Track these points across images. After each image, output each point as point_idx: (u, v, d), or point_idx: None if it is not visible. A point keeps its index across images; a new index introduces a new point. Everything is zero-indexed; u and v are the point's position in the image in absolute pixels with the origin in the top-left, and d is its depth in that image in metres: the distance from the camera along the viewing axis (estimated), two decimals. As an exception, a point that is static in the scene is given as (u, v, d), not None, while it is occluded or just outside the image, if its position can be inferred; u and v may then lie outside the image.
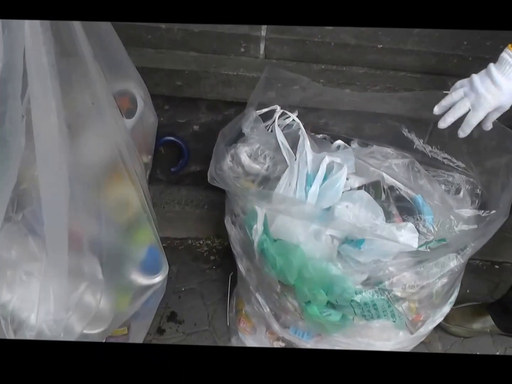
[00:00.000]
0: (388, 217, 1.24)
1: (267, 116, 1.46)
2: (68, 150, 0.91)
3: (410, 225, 1.19)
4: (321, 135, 1.58)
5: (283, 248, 1.23)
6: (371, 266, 1.17)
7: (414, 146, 1.38)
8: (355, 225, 1.19)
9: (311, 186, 1.26)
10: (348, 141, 1.51)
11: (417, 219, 1.22)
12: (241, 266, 1.49)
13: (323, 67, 1.61)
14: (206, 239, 2.02)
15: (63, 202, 0.93)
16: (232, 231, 1.48)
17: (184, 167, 1.78)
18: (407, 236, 1.16)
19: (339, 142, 1.52)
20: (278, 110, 1.50)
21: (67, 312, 1.02)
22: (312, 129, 1.56)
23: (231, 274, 1.84)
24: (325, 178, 1.27)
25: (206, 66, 1.54)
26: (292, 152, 1.30)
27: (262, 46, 1.59)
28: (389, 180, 1.31)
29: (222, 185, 1.27)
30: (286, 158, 1.29)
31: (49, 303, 0.99)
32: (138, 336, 1.40)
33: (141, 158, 1.29)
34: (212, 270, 1.92)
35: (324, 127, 1.57)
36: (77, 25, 0.88)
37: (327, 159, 1.28)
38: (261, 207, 1.26)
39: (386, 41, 1.57)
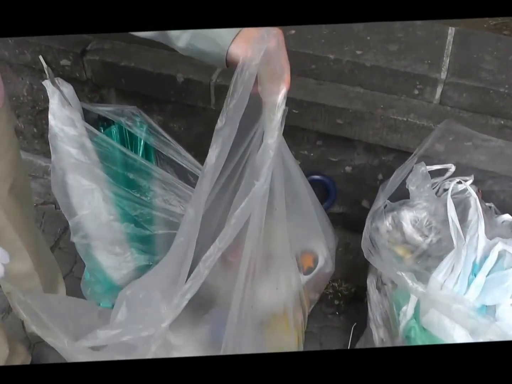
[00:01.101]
0: None
1: (434, 173, 1.31)
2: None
3: None
4: (486, 203, 1.38)
5: (434, 343, 1.09)
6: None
7: None
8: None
9: (475, 275, 1.12)
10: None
11: None
12: (376, 334, 1.37)
13: (502, 122, 1.39)
14: (333, 281, 1.88)
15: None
16: (375, 295, 1.36)
17: (328, 209, 1.63)
18: None
19: (506, 217, 1.33)
20: (451, 170, 1.32)
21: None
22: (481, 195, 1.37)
23: (355, 324, 1.72)
24: (492, 268, 1.12)
25: (372, 105, 1.39)
26: (461, 233, 1.11)
27: (439, 90, 1.40)
28: None
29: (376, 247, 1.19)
30: (453, 238, 1.12)
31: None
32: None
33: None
34: (334, 316, 1.80)
35: (489, 193, 1.39)
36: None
37: (499, 246, 1.12)
38: (414, 291, 1.11)
39: None
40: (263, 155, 0.92)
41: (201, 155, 1.66)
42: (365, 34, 1.44)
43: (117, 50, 1.56)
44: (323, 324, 1.77)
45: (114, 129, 1.59)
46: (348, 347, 1.69)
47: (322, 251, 1.39)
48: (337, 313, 1.80)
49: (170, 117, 1.63)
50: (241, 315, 1.05)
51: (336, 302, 1.83)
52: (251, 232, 0.96)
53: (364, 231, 1.26)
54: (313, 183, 1.60)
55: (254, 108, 0.92)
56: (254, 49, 0.81)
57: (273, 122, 0.92)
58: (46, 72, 1.53)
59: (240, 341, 1.09)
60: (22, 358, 1.58)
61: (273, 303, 1.20)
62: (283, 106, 0.92)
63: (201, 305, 1.17)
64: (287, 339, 1.25)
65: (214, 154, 0.92)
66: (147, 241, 1.60)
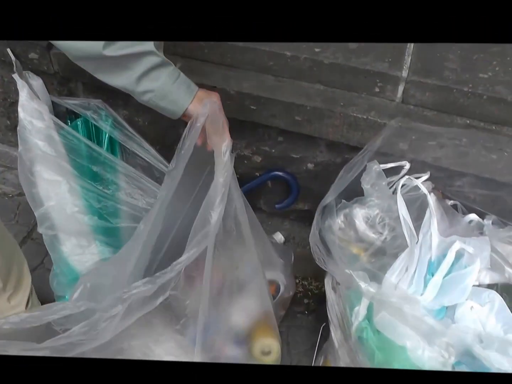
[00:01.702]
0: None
1: (392, 170, 1.33)
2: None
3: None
4: (451, 201, 1.37)
5: (386, 345, 1.08)
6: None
7: None
8: (480, 334, 0.99)
9: (432, 275, 1.11)
10: (482, 215, 1.32)
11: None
12: (334, 336, 1.36)
13: (468, 122, 1.39)
14: (302, 279, 1.88)
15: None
16: (331, 296, 1.37)
17: (290, 205, 1.63)
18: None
19: (472, 216, 1.33)
20: (406, 167, 1.32)
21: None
22: (443, 193, 1.36)
23: (324, 325, 1.70)
24: (450, 267, 1.11)
25: (333, 103, 1.40)
26: (414, 231, 1.11)
27: (400, 89, 1.40)
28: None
29: (326, 246, 1.21)
30: (406, 236, 1.12)
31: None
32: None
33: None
34: (303, 315, 1.80)
35: (457, 192, 1.39)
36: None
37: (457, 245, 1.11)
38: (366, 292, 1.10)
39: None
40: (216, 190, 1.10)
41: (165, 149, 1.68)
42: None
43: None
44: (292, 324, 1.76)
45: (80, 122, 1.62)
46: (316, 348, 1.68)
47: (282, 279, 1.53)
48: (306, 312, 1.79)
49: (135, 111, 1.64)
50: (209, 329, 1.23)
51: (306, 301, 1.83)
52: (208, 256, 1.14)
53: (312, 226, 1.26)
54: (275, 179, 1.62)
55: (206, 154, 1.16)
56: (201, 111, 1.10)
57: (221, 165, 1.12)
58: (14, 65, 1.56)
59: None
60: None
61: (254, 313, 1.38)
62: (228, 153, 1.13)
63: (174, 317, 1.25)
64: (272, 343, 1.42)
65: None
66: (111, 233, 1.62)
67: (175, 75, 1.08)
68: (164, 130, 1.66)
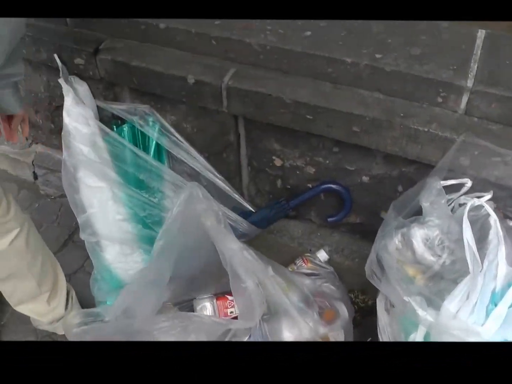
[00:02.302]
0: None
1: (451, 187, 1.26)
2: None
3: None
4: (512, 222, 1.30)
5: None
6: None
7: None
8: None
9: (496, 305, 1.04)
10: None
11: None
12: None
13: (536, 138, 1.30)
14: (349, 292, 1.82)
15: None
16: (383, 317, 1.31)
17: (342, 219, 1.57)
18: None
19: None
20: (467, 185, 1.25)
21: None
22: (504, 213, 1.30)
23: (369, 339, 1.63)
24: None
25: (391, 113, 1.33)
26: (478, 258, 1.04)
27: (464, 99, 1.33)
28: None
29: (381, 265, 1.17)
30: (469, 262, 1.04)
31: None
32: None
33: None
34: (349, 329, 1.73)
35: None
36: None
37: None
38: (424, 321, 1.05)
39: None
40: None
41: (213, 157, 1.64)
42: (385, 37, 1.38)
43: (129, 49, 1.55)
44: (337, 338, 1.72)
45: (126, 128, 1.59)
46: None
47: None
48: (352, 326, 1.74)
49: (183, 117, 1.60)
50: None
51: (352, 314, 1.78)
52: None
53: (371, 251, 1.21)
54: (328, 192, 1.55)
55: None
56: None
57: None
58: (60, 70, 1.53)
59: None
60: None
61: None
62: None
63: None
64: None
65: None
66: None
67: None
68: (212, 137, 1.61)
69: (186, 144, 1.58)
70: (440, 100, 1.34)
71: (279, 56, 1.39)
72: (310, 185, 1.61)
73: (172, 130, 1.56)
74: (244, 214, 1.63)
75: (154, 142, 1.58)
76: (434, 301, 1.07)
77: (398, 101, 1.36)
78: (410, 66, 1.33)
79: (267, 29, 1.41)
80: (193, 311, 1.63)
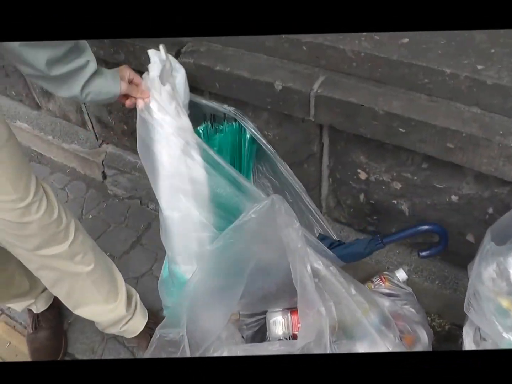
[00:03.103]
0: None
1: None
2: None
3: None
4: None
5: None
6: None
7: None
8: None
9: None
10: None
11: None
12: None
13: None
14: (426, 314, 1.74)
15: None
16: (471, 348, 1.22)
17: (435, 255, 1.50)
18: None
19: None
20: None
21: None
22: None
23: None
24: None
25: (490, 130, 1.25)
26: None
27: None
28: None
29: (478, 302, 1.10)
30: None
31: None
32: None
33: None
34: (424, 354, 1.66)
35: None
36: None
37: None
38: None
39: None
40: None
41: (295, 166, 1.59)
42: (489, 46, 1.30)
43: (212, 53, 1.53)
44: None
45: (228, 128, 1.52)
46: None
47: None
48: (433, 351, 1.69)
49: (265, 125, 1.57)
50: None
51: (430, 338, 1.72)
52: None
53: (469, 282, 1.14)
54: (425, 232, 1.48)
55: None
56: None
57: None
58: (168, 60, 1.40)
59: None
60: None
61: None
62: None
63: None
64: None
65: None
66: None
67: (101, 71, 1.26)
68: (294, 147, 1.57)
69: (274, 152, 1.52)
70: (544, 118, 1.26)
71: (373, 64, 1.33)
72: (395, 201, 1.54)
73: (261, 137, 1.51)
74: (326, 240, 1.55)
75: (246, 150, 1.53)
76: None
77: (497, 117, 1.28)
78: (513, 79, 1.25)
79: (362, 34, 1.36)
80: (265, 324, 1.60)
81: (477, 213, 1.44)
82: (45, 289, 1.78)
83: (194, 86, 1.57)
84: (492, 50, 1.30)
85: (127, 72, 1.33)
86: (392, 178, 1.49)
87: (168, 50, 1.51)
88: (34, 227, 1.32)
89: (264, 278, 1.43)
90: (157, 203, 1.53)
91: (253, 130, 1.48)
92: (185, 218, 1.47)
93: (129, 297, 1.67)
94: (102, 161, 2.17)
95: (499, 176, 1.29)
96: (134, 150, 2.10)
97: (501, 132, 1.24)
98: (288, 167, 1.55)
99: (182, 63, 1.51)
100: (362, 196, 1.61)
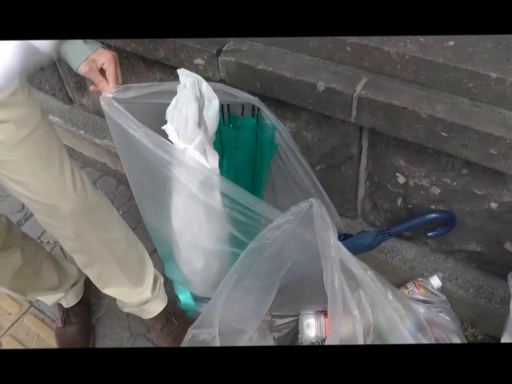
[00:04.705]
0: None
1: None
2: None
3: None
4: None
5: None
6: None
7: None
8: None
9: None
10: None
11: None
12: None
13: None
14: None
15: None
16: None
17: (443, 235, 1.55)
18: None
19: None
20: None
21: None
22: None
23: None
24: None
25: (535, 136, 1.24)
26: None
27: None
28: None
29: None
30: None
31: None
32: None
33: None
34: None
35: None
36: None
37: None
38: None
39: None
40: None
41: (330, 169, 1.61)
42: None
43: (255, 52, 1.55)
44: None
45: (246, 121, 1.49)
46: None
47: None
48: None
49: (304, 125, 1.59)
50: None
51: (460, 347, 1.71)
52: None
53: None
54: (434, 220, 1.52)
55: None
56: None
57: None
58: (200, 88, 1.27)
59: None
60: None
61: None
62: None
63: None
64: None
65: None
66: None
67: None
68: (332, 149, 1.59)
69: (301, 157, 1.51)
70: None
71: (417, 66, 1.35)
72: (433, 207, 1.55)
73: (285, 133, 1.47)
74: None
75: (265, 149, 1.52)
76: None
77: (543, 124, 1.29)
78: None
79: (407, 36, 1.37)
80: (297, 326, 1.62)
81: (516, 221, 1.45)
82: (75, 283, 1.85)
83: (234, 85, 1.59)
84: (542, 55, 1.31)
85: (102, 59, 1.29)
86: (431, 183, 1.50)
87: (209, 48, 1.56)
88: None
89: (298, 281, 1.45)
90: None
91: (279, 127, 1.45)
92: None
93: (155, 281, 1.75)
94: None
95: (543, 183, 1.30)
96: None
97: (545, 139, 1.25)
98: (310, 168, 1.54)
99: (223, 62, 1.54)
100: (399, 201, 1.62)
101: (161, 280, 1.79)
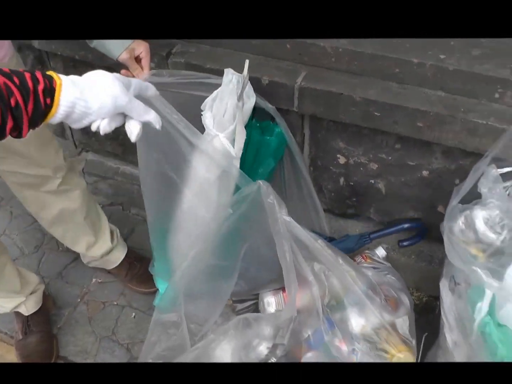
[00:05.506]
0: None
1: (508, 175, 1.37)
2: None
3: None
4: None
5: (509, 338, 1.16)
6: None
7: None
8: None
9: None
10: None
11: None
12: (449, 337, 1.43)
13: None
14: (405, 288, 1.93)
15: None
16: (448, 298, 1.44)
17: (414, 244, 1.77)
18: None
19: None
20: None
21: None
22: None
23: (426, 334, 1.73)
24: None
25: (454, 109, 1.49)
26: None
27: (520, 95, 1.47)
28: None
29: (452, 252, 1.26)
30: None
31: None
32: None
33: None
34: (403, 326, 1.83)
35: None
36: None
37: None
38: (489, 286, 1.19)
39: None
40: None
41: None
42: (449, 39, 1.53)
43: (202, 53, 1.71)
44: (393, 334, 1.81)
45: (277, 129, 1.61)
46: (419, 357, 1.71)
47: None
48: (406, 323, 1.85)
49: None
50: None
51: (406, 311, 1.88)
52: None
53: (445, 233, 1.33)
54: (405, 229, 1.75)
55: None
56: None
57: None
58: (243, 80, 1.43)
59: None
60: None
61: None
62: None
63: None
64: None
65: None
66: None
67: None
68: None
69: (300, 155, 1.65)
70: (497, 96, 1.49)
71: (350, 58, 1.56)
72: (372, 181, 1.77)
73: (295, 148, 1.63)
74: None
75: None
76: (496, 272, 1.19)
77: (460, 98, 1.52)
78: (471, 65, 1.49)
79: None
80: (257, 309, 1.74)
81: (446, 185, 1.67)
82: (34, 290, 1.90)
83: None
84: (452, 42, 1.54)
85: (140, 48, 1.44)
86: (369, 159, 1.71)
87: (158, 51, 1.69)
88: None
89: (257, 264, 1.57)
90: (140, 208, 1.68)
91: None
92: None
93: (111, 232, 1.99)
94: (82, 169, 2.28)
95: (463, 148, 1.52)
96: (116, 155, 2.22)
97: (462, 109, 1.48)
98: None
99: (172, 64, 1.68)
100: (342, 180, 1.82)
101: (117, 230, 2.03)
